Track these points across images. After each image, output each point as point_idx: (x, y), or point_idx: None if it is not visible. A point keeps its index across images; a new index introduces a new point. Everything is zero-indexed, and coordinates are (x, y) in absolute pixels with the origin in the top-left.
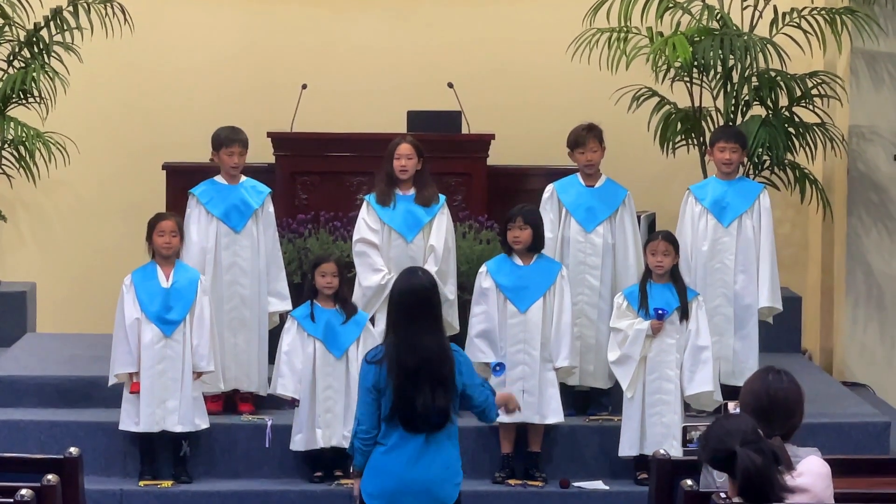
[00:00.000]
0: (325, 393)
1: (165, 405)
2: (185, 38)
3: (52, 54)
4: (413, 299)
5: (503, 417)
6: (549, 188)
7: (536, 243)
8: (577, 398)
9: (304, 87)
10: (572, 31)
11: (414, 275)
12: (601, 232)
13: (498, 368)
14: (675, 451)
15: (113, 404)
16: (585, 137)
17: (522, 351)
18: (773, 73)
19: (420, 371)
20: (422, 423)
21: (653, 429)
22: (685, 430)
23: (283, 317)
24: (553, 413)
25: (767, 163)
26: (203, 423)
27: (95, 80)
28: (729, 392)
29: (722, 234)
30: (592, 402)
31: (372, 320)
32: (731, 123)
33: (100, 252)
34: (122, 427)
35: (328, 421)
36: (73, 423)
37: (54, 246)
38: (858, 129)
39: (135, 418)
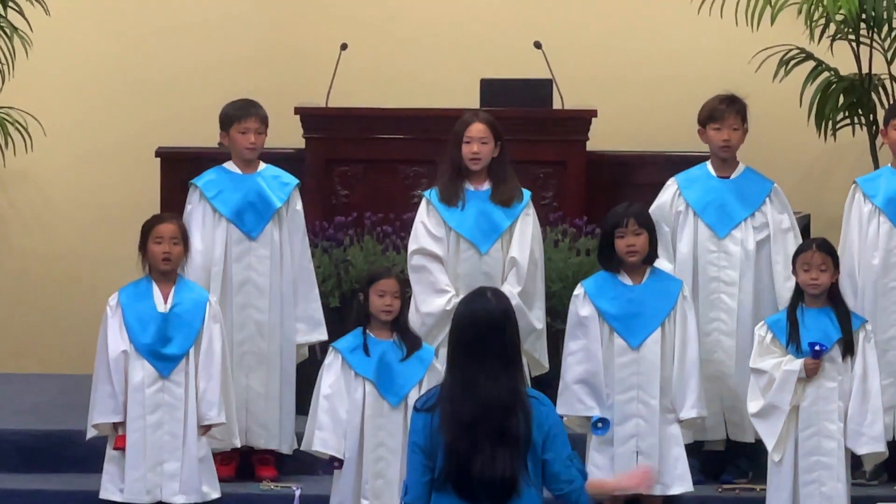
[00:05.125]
0: (375, 452)
1: (162, 468)
2: None
3: (10, 4)
4: (476, 330)
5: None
6: (671, 183)
7: (650, 254)
8: (706, 461)
9: (344, 47)
10: None
11: (480, 298)
12: (738, 237)
13: (600, 425)
14: None
15: (91, 467)
16: (724, 112)
17: (636, 399)
18: None
19: (479, 424)
20: (481, 493)
21: (809, 501)
22: None
23: (313, 349)
24: (679, 480)
25: None
26: (213, 491)
27: (68, 40)
28: None
29: None
30: (728, 465)
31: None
32: None
33: (73, 265)
34: (103, 496)
35: (378, 490)
36: (38, 493)
37: (12, 257)
38: None
39: (120, 484)
